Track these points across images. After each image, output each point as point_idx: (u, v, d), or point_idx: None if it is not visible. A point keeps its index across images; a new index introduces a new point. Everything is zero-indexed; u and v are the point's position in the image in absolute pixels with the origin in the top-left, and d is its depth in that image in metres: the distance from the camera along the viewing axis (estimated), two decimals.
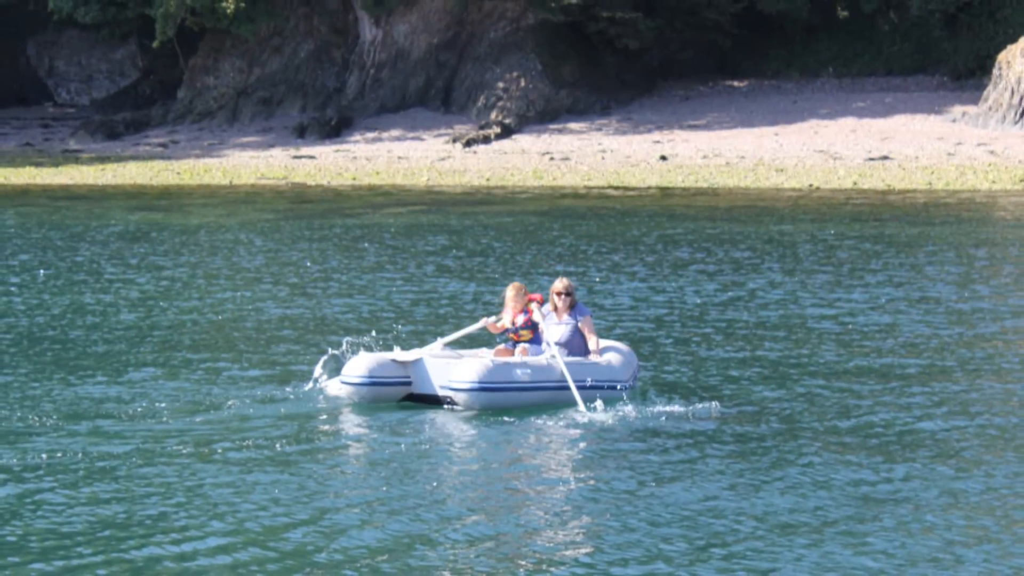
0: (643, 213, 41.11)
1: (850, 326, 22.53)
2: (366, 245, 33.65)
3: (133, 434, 15.60)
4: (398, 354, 17.45)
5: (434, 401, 17.21)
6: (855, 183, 49.30)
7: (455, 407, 16.99)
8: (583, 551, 11.84)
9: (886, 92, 65.18)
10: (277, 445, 15.14)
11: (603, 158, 56.26)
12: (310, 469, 14.31)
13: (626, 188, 49.55)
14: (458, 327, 19.27)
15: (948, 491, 13.51)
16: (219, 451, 14.91)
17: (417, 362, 17.35)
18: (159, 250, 32.86)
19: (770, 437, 15.62)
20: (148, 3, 65.47)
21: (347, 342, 18.07)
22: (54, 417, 16.38)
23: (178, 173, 54.91)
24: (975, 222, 38.00)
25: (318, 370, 17.82)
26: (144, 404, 16.96)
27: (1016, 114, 56.76)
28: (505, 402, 16.88)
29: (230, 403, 16.98)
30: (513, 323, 17.78)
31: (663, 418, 16.44)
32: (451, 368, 17.08)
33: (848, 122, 60.91)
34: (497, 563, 11.53)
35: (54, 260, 30.96)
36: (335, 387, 17.44)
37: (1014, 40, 59.15)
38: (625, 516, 12.72)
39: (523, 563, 11.54)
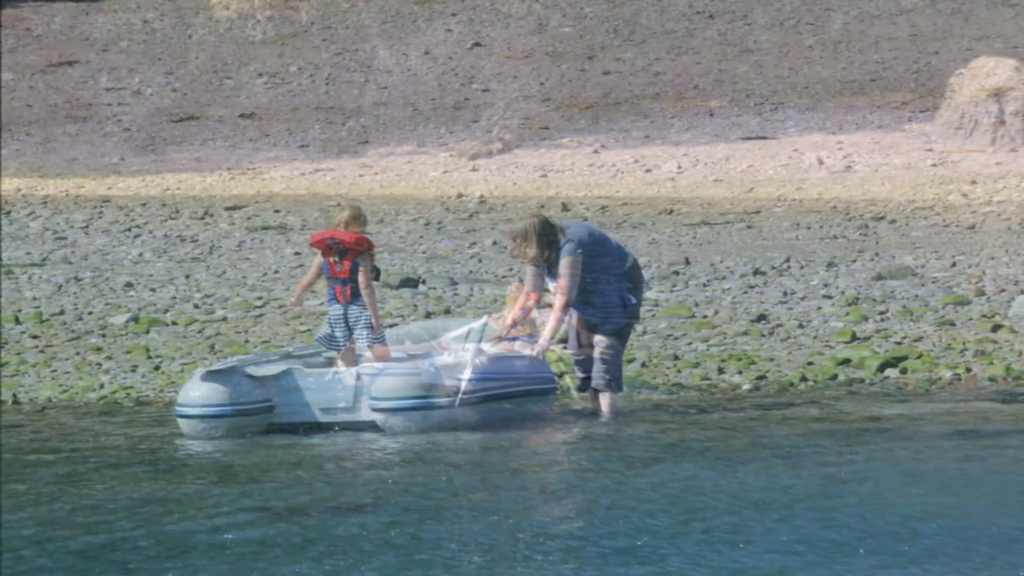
0: (630, 220, 41.07)
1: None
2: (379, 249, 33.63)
3: (169, 418, 15.59)
4: (408, 348, 17.41)
5: None
6: (820, 194, 49.31)
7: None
8: (576, 524, 11.82)
9: (849, 111, 65.17)
10: (299, 428, 15.13)
11: (594, 171, 56.23)
12: (329, 451, 14.30)
13: (615, 198, 49.51)
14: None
15: (905, 471, 13.50)
16: (246, 433, 14.90)
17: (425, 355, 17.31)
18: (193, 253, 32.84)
19: (745, 422, 15.62)
20: None
21: None
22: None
23: (210, 183, 54.85)
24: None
25: None
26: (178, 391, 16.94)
27: (967, 132, 56.85)
28: None
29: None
30: (513, 320, 17.73)
31: (649, 405, 16.43)
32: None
33: (815, 138, 60.90)
34: (498, 535, 11.53)
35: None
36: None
37: (964, 65, 59.24)
38: (613, 492, 12.71)
39: (521, 535, 11.53)
